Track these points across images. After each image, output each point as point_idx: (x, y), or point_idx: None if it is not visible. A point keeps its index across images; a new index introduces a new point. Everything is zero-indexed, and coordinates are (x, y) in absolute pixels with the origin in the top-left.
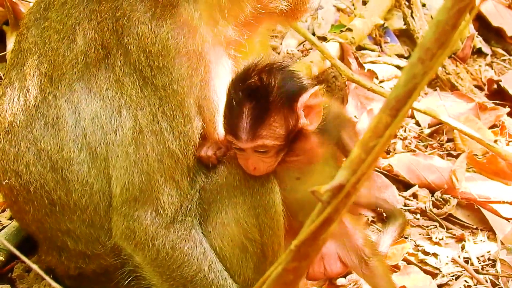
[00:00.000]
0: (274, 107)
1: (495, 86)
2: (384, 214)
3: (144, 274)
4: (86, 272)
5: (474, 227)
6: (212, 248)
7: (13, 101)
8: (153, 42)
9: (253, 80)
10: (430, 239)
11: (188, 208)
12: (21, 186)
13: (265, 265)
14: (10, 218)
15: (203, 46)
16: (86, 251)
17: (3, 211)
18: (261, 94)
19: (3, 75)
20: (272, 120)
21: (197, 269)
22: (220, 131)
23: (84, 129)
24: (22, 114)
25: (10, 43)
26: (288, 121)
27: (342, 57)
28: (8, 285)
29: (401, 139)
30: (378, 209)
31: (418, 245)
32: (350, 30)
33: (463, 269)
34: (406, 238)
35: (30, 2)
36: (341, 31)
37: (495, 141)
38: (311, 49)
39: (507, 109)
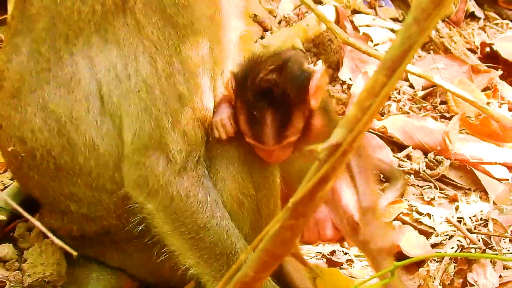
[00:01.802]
0: (294, 107)
1: (488, 49)
2: (381, 176)
3: (154, 222)
4: (89, 233)
5: (467, 187)
6: None
7: (21, 66)
8: None
9: (266, 83)
10: (424, 199)
11: (197, 157)
12: (26, 153)
13: (260, 223)
14: (12, 178)
15: None
16: (89, 213)
17: (5, 171)
18: (279, 97)
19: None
20: (294, 119)
21: (210, 215)
22: (226, 75)
23: (99, 81)
24: (32, 78)
25: (10, 7)
26: (305, 112)
27: (338, 21)
28: (10, 244)
29: (395, 101)
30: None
31: (412, 205)
32: None
33: (456, 228)
34: (401, 198)
35: None
36: None
37: (488, 103)
38: (307, 12)
39: (500, 72)
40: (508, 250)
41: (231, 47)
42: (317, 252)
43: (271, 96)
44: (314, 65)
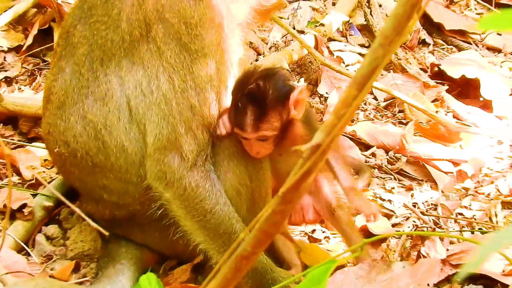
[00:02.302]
0: (270, 107)
1: (436, 69)
2: (352, 169)
3: (170, 207)
4: (118, 217)
5: (420, 179)
6: None
7: (65, 83)
8: (192, 16)
9: (252, 86)
10: (385, 188)
11: (205, 155)
12: (69, 153)
13: (254, 207)
14: (57, 173)
15: (228, 22)
16: (118, 201)
17: (52, 167)
18: (260, 97)
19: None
20: (270, 117)
21: (215, 202)
22: (229, 90)
23: (128, 96)
24: (74, 93)
25: (56, 36)
26: (282, 115)
27: (316, 47)
28: (56, 225)
29: (362, 110)
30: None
31: (376, 193)
32: (322, 25)
33: (412, 211)
34: (367, 187)
35: (71, 3)
36: (315, 26)
37: (436, 112)
38: (292, 40)
39: (446, 87)
40: (453, 229)
41: (233, 68)
42: (301, 231)
43: (254, 95)
44: (298, 82)
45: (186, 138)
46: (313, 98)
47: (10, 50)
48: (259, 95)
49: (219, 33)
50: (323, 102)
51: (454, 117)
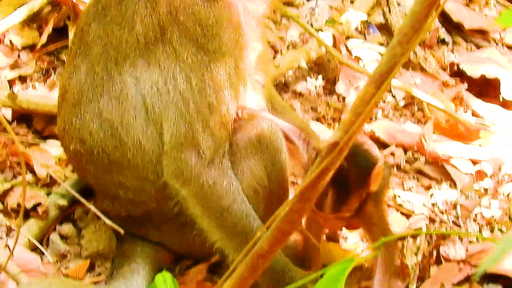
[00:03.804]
0: (352, 190)
1: (455, 68)
2: None
3: (187, 205)
4: (134, 214)
5: (439, 178)
6: None
7: (80, 82)
8: (207, 17)
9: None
10: (404, 188)
11: (223, 153)
12: (85, 151)
13: (272, 208)
14: (73, 171)
15: (245, 19)
16: (134, 199)
17: (67, 165)
18: (342, 179)
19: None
20: (351, 200)
21: (232, 200)
22: (247, 87)
23: (144, 95)
24: (89, 92)
25: (71, 34)
26: (362, 195)
27: (335, 45)
28: (71, 224)
29: (380, 109)
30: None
31: (395, 193)
32: (340, 23)
33: (431, 211)
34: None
35: (86, 1)
36: (333, 24)
37: (456, 111)
38: (310, 38)
39: (465, 86)
40: (473, 229)
41: (251, 64)
42: None
43: (336, 176)
44: (315, 80)
45: (203, 135)
46: (331, 97)
47: (24, 48)
48: (342, 177)
49: (238, 31)
50: (341, 101)
51: (473, 115)
